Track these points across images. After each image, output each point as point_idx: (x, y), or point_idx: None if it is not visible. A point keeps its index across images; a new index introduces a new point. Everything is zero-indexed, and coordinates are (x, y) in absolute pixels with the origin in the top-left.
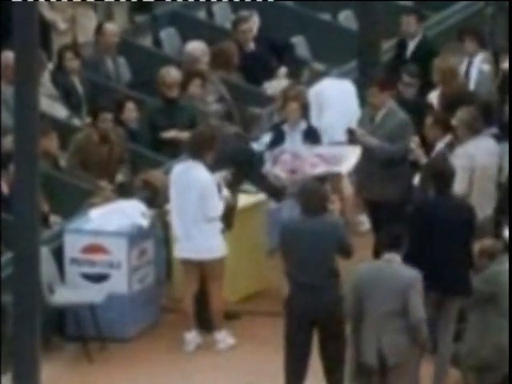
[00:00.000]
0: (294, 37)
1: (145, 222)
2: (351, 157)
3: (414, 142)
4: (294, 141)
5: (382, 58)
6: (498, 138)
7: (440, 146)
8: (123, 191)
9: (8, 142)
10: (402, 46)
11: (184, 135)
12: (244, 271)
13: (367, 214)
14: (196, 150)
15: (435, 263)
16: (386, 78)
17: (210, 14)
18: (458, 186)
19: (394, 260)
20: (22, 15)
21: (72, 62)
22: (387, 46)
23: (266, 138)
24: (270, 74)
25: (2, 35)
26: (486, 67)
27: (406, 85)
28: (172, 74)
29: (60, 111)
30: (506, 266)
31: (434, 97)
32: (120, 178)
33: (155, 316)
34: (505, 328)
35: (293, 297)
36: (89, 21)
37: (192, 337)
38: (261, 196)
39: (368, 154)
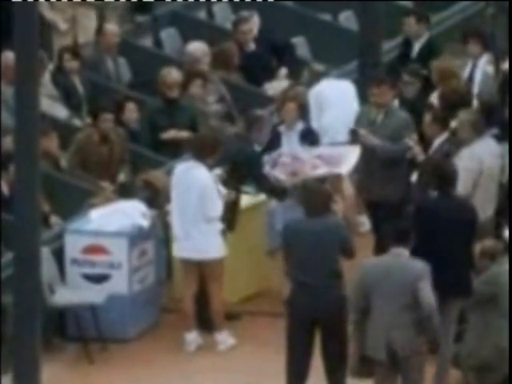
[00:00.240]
0: (295, 37)
1: (145, 223)
2: (351, 157)
3: (412, 140)
4: (290, 142)
5: (383, 58)
6: (498, 139)
7: (438, 142)
8: (124, 191)
9: (8, 142)
10: (407, 45)
11: (183, 134)
12: (244, 271)
13: (367, 214)
14: (198, 153)
15: (436, 264)
16: (390, 77)
17: (211, 14)
18: (462, 187)
19: (401, 254)
20: (22, 15)
21: (71, 63)
22: (388, 46)
23: None
24: (271, 75)
25: (2, 35)
26: (490, 69)
27: (405, 84)
28: (172, 74)
29: (60, 111)
30: (507, 267)
31: (434, 97)
32: (122, 178)
33: (156, 316)
34: (505, 329)
35: (294, 297)
36: (89, 21)
37: (192, 337)
38: (261, 197)
39: (368, 154)
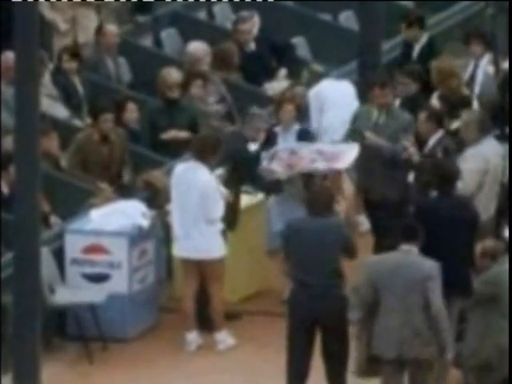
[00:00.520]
0: (295, 37)
1: (145, 223)
2: (350, 154)
3: (408, 141)
4: (286, 143)
5: (383, 58)
6: (498, 138)
7: (432, 141)
8: (124, 191)
9: (8, 142)
10: (408, 46)
11: (183, 134)
12: (244, 271)
13: (366, 214)
14: (200, 154)
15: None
16: (389, 78)
17: (211, 14)
18: (466, 187)
19: (411, 251)
20: (22, 15)
21: (69, 64)
22: (388, 46)
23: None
24: (271, 75)
25: (2, 35)
26: (491, 69)
27: (397, 84)
28: (172, 74)
29: (60, 111)
30: (507, 266)
31: (435, 97)
32: (126, 177)
33: (156, 316)
34: (505, 329)
35: (295, 296)
36: (89, 21)
37: (193, 337)
38: (261, 196)
39: (367, 154)
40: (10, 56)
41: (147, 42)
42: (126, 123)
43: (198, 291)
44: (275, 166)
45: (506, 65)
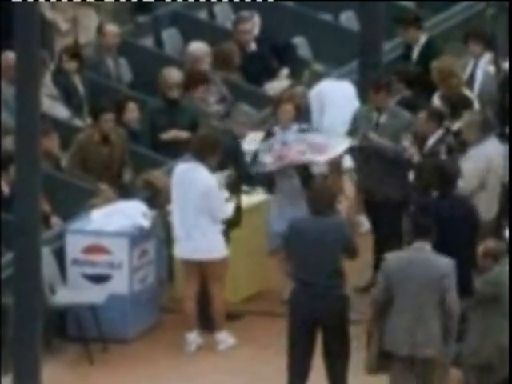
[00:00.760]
0: (295, 37)
1: (146, 223)
2: (337, 148)
3: (408, 141)
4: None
5: (383, 58)
6: (499, 138)
7: (432, 140)
8: (124, 192)
9: (9, 142)
10: (408, 47)
11: (184, 134)
12: (245, 272)
13: (367, 214)
14: (198, 153)
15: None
16: (386, 79)
17: (212, 14)
18: (466, 186)
19: (423, 248)
20: (22, 15)
21: (70, 64)
22: (388, 46)
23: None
24: (271, 75)
25: (2, 35)
26: (491, 68)
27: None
28: (173, 74)
29: (61, 111)
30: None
31: (436, 98)
32: (126, 177)
33: (156, 316)
34: (506, 329)
35: (296, 296)
36: (90, 21)
37: (193, 337)
38: (261, 196)
39: (368, 155)
40: (10, 56)
41: (148, 42)
42: (127, 123)
43: (200, 291)
44: (267, 158)
45: (506, 65)
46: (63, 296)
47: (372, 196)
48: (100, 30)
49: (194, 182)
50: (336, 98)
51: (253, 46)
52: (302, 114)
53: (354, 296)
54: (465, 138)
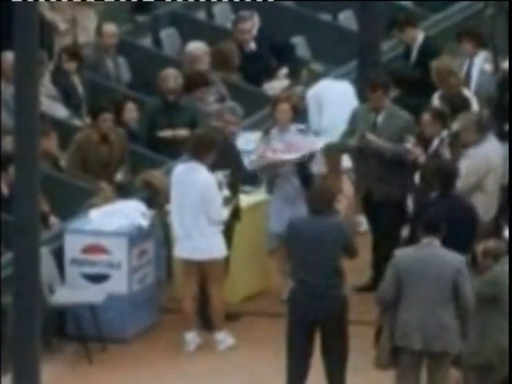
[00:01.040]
0: (294, 37)
1: (145, 222)
2: (308, 147)
3: (411, 142)
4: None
5: (382, 58)
6: (497, 137)
7: (437, 141)
8: (123, 191)
9: (8, 142)
10: (407, 47)
11: (181, 133)
12: (244, 272)
13: (366, 214)
14: (196, 152)
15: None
16: (384, 79)
17: (210, 14)
18: (463, 184)
19: (433, 244)
20: (22, 15)
21: (69, 64)
22: (387, 46)
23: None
24: (271, 75)
25: (2, 35)
26: (488, 67)
27: None
28: (172, 74)
29: (60, 111)
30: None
31: (436, 98)
32: (119, 177)
33: (155, 316)
34: (506, 329)
35: (295, 296)
36: (89, 21)
37: (192, 337)
38: (261, 196)
39: (365, 155)
40: (9, 56)
41: (147, 41)
42: (126, 123)
43: (199, 291)
44: (252, 156)
45: (505, 64)
46: (62, 296)
47: (371, 196)
48: (99, 30)
49: (193, 182)
50: (334, 97)
51: (252, 46)
52: (300, 115)
53: (353, 296)
54: (463, 140)
